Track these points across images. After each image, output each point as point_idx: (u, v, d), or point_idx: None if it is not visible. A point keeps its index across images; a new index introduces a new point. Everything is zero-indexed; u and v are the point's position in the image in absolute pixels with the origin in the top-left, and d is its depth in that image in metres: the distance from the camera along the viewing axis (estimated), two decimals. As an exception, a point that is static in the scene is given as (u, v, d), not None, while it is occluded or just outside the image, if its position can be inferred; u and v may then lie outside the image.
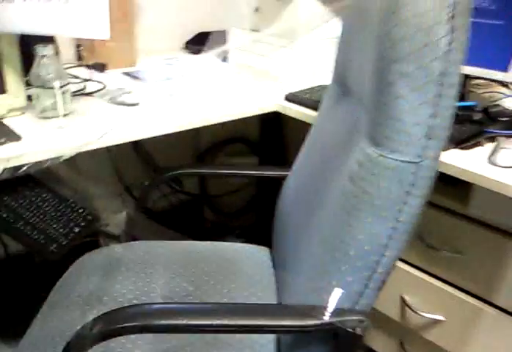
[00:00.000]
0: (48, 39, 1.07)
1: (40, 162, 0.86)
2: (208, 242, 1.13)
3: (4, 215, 0.97)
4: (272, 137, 1.65)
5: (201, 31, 1.79)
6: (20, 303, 1.32)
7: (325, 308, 0.63)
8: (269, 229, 1.07)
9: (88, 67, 1.43)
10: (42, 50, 0.98)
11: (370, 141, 0.63)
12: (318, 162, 0.89)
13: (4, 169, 0.87)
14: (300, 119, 1.20)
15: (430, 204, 1.04)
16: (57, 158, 0.88)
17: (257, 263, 1.02)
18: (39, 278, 1.26)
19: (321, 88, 1.28)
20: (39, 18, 0.93)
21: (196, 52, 1.74)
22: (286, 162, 1.09)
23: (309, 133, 1.01)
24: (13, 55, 1.04)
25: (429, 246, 1.05)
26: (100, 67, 1.44)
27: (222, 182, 1.78)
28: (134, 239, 1.08)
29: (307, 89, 1.29)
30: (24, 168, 0.83)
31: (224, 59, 1.59)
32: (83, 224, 1.06)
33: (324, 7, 1.25)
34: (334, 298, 0.63)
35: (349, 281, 0.63)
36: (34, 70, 1.00)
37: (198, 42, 1.77)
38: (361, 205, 0.62)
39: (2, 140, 0.93)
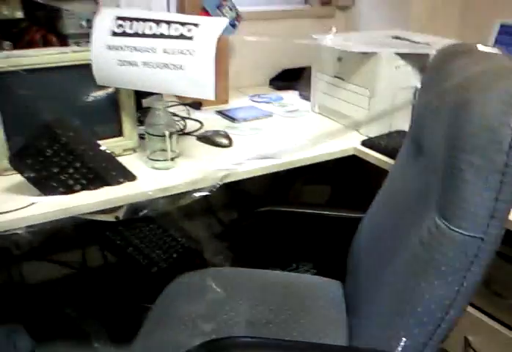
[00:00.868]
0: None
1: (156, 202, 1.02)
2: (286, 273, 1.26)
3: (118, 242, 1.15)
4: (347, 175, 1.75)
5: (285, 68, 1.93)
6: (122, 310, 1.52)
7: (393, 354, 0.74)
8: (340, 263, 1.18)
9: (186, 105, 1.61)
10: (157, 105, 1.15)
11: (439, 212, 0.73)
12: (391, 214, 1.00)
13: (122, 206, 1.04)
14: (375, 164, 1.31)
15: (497, 253, 1.11)
16: (168, 197, 1.04)
17: (330, 299, 1.13)
18: (137, 286, 1.44)
19: (398, 134, 1.38)
20: (156, 79, 1.10)
21: (281, 88, 1.89)
22: (356, 198, 1.19)
23: (384, 183, 1.11)
24: (129, 105, 1.23)
25: (495, 294, 1.12)
26: (197, 106, 1.61)
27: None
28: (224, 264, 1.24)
29: (384, 135, 1.39)
30: (145, 211, 1.00)
31: (306, 97, 1.72)
32: (181, 250, 1.22)
33: (403, 62, 1.35)
34: (402, 347, 0.74)
35: (415, 333, 0.74)
36: (148, 119, 1.17)
37: (282, 79, 1.92)
38: (429, 269, 0.73)
39: (121, 179, 1.12)
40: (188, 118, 1.53)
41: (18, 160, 1.01)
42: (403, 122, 1.41)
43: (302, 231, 1.47)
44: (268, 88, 1.92)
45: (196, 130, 1.44)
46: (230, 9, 1.57)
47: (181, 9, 1.55)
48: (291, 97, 1.80)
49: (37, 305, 1.58)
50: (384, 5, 1.87)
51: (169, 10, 1.68)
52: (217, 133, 1.39)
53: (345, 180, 1.83)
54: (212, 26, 1.04)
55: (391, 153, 1.27)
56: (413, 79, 1.38)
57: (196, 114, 1.58)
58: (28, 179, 1.02)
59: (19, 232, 0.91)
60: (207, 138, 1.37)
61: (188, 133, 1.41)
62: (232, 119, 1.55)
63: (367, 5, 1.93)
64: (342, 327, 1.06)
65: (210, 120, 1.53)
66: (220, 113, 1.60)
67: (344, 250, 1.22)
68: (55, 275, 1.68)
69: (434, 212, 0.75)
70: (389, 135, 1.38)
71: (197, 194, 1.03)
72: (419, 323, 0.74)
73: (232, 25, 1.57)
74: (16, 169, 1.02)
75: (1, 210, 0.98)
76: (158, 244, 1.21)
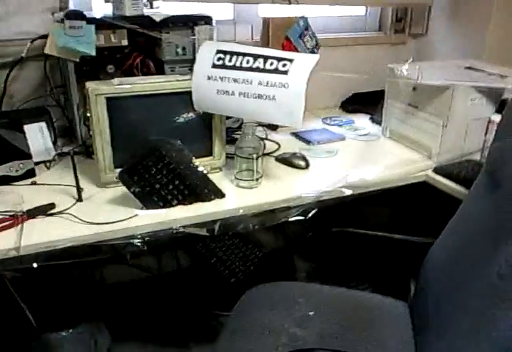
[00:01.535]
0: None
1: (247, 220, 1.13)
2: (355, 290, 1.33)
3: (203, 252, 1.27)
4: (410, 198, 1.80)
5: (356, 91, 2.01)
6: (193, 315, 1.64)
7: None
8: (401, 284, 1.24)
9: (263, 126, 1.72)
10: (248, 129, 1.26)
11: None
12: (465, 242, 1.06)
13: (216, 222, 1.16)
14: (446, 192, 1.36)
15: None
16: (258, 215, 1.15)
17: (397, 318, 1.20)
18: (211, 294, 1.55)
19: (469, 163, 1.43)
20: (250, 108, 1.21)
21: (351, 111, 1.98)
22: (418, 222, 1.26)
23: (458, 211, 1.17)
24: (221, 128, 1.35)
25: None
26: (274, 127, 1.72)
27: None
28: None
29: (456, 163, 1.44)
30: (237, 228, 1.11)
31: (377, 121, 1.79)
32: (257, 263, 1.32)
33: (478, 94, 1.40)
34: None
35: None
36: (238, 142, 1.29)
37: (353, 102, 2.00)
38: (505, 300, 0.79)
39: (212, 196, 1.23)
40: (266, 139, 1.64)
41: (127, 176, 1.15)
42: (474, 152, 1.47)
43: (365, 251, 1.54)
44: (339, 110, 2.00)
45: (275, 151, 1.55)
46: (311, 38, 1.67)
47: (265, 38, 1.66)
48: (362, 120, 1.88)
49: (115, 305, 1.72)
50: (456, 34, 1.92)
51: (252, 38, 1.82)
52: (294, 155, 1.49)
53: (407, 203, 1.88)
54: (305, 62, 1.14)
55: (462, 182, 1.33)
56: (487, 111, 1.44)
57: (273, 135, 1.69)
58: (134, 193, 1.15)
59: (134, 241, 1.04)
60: (286, 160, 1.47)
61: (268, 154, 1.52)
62: (307, 142, 1.64)
63: (439, 33, 1.99)
64: (410, 345, 1.13)
65: (286, 141, 1.64)
66: (295, 135, 1.70)
67: (406, 272, 1.29)
68: (132, 277, 1.82)
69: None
70: (461, 163, 1.44)
71: (291, 219, 1.12)
72: (493, 347, 0.80)
73: (312, 52, 1.68)
74: (124, 183, 1.15)
75: (109, 219, 1.12)
76: (238, 256, 1.32)
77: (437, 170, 1.43)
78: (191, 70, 1.48)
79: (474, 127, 1.45)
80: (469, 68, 1.61)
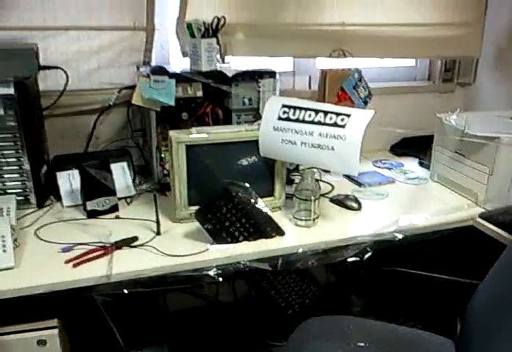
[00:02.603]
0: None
1: (307, 257, 1.26)
2: (404, 327, 1.42)
3: (264, 285, 1.40)
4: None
5: (405, 136, 2.13)
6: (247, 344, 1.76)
7: None
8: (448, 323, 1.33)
9: (318, 168, 1.86)
10: (307, 174, 1.41)
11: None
12: (507, 286, 1.15)
13: (279, 258, 1.29)
14: (493, 236, 1.45)
15: None
16: (316, 254, 1.28)
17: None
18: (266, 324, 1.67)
19: (515, 210, 1.52)
20: (310, 156, 1.36)
21: (400, 154, 2.09)
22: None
23: (502, 256, 1.26)
24: (282, 172, 1.50)
25: None
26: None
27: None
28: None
29: (502, 209, 1.53)
30: (297, 265, 1.24)
31: (425, 165, 1.90)
32: (312, 297, 1.44)
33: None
34: None
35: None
36: (298, 185, 1.43)
37: (402, 146, 2.12)
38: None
39: (274, 234, 1.37)
40: (320, 180, 1.77)
41: (202, 214, 1.31)
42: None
43: (414, 289, 1.63)
44: (389, 153, 2.12)
45: (329, 193, 1.68)
46: (364, 89, 1.82)
47: (322, 88, 1.82)
48: (411, 164, 1.99)
49: (177, 330, 1.86)
50: (502, 84, 2.03)
51: (310, 88, 1.99)
52: (347, 197, 1.62)
53: (454, 245, 1.96)
54: (361, 117, 1.29)
55: (507, 227, 1.42)
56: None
57: (326, 176, 1.82)
58: (207, 230, 1.31)
59: (210, 272, 1.19)
60: (340, 201, 1.60)
61: (323, 195, 1.65)
62: (359, 184, 1.77)
63: (486, 83, 2.10)
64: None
65: (339, 183, 1.77)
66: (347, 176, 1.83)
67: (453, 310, 1.37)
68: (193, 305, 1.96)
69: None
70: (507, 210, 1.52)
71: (350, 259, 1.25)
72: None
73: (365, 102, 1.82)
74: (199, 221, 1.31)
75: (185, 252, 1.27)
76: (295, 290, 1.44)
77: (483, 216, 1.52)
78: (254, 117, 1.67)
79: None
80: (514, 119, 1.71)
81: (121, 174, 1.59)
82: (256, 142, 1.42)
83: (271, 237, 1.36)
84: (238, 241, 1.33)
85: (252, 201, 1.34)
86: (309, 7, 1.80)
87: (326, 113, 1.33)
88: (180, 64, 1.76)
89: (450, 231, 1.48)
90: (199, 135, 1.38)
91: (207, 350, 1.83)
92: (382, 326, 1.39)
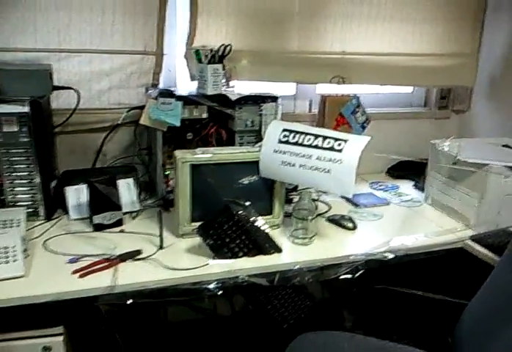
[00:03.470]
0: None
1: (303, 274, 1.32)
2: (394, 343, 1.47)
3: (261, 299, 1.46)
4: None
5: (402, 159, 2.20)
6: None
7: None
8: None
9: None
10: (305, 195, 1.48)
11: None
12: (494, 306, 1.21)
13: (276, 274, 1.35)
14: (481, 258, 1.51)
15: None
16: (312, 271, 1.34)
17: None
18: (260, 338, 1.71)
19: (504, 232, 1.58)
20: (308, 178, 1.43)
21: (396, 177, 2.17)
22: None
23: (490, 277, 1.32)
24: (280, 191, 1.57)
25: None
26: (325, 190, 1.93)
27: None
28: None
29: (491, 232, 1.59)
30: (294, 281, 1.30)
31: (419, 188, 1.98)
32: (307, 312, 1.50)
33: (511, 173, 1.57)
34: None
35: None
36: (296, 205, 1.50)
37: (399, 169, 2.20)
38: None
39: (272, 251, 1.43)
40: (318, 200, 1.84)
41: (204, 230, 1.37)
42: (509, 223, 1.62)
43: (405, 307, 1.68)
44: (385, 176, 2.20)
45: (325, 212, 1.75)
46: (361, 115, 1.90)
47: (321, 113, 1.91)
48: (406, 186, 2.07)
49: (175, 341, 1.91)
50: (497, 112, 2.12)
51: (310, 111, 2.07)
52: (343, 217, 1.69)
53: (445, 266, 2.02)
54: (358, 143, 1.36)
55: (496, 250, 1.48)
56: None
57: (324, 196, 1.89)
58: (208, 245, 1.37)
59: (210, 286, 1.25)
60: (336, 221, 1.67)
61: (320, 214, 1.72)
62: (355, 205, 1.84)
63: (480, 111, 2.18)
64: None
65: (335, 203, 1.84)
66: (344, 197, 1.89)
67: (443, 328, 1.43)
68: (191, 317, 2.01)
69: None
70: (496, 233, 1.58)
71: (342, 277, 1.31)
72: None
73: (363, 127, 1.90)
74: (201, 236, 1.38)
75: (187, 266, 1.33)
76: (291, 305, 1.50)
77: (473, 238, 1.58)
78: (256, 138, 1.75)
79: (509, 202, 1.60)
80: (505, 146, 1.79)
81: (127, 190, 1.66)
82: (257, 163, 1.49)
83: (269, 253, 1.42)
84: (237, 257, 1.39)
85: (252, 219, 1.41)
86: (311, 37, 1.90)
87: (324, 137, 1.41)
88: (186, 86, 1.85)
89: (441, 252, 1.55)
90: (203, 155, 1.46)
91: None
92: (375, 342, 1.44)
